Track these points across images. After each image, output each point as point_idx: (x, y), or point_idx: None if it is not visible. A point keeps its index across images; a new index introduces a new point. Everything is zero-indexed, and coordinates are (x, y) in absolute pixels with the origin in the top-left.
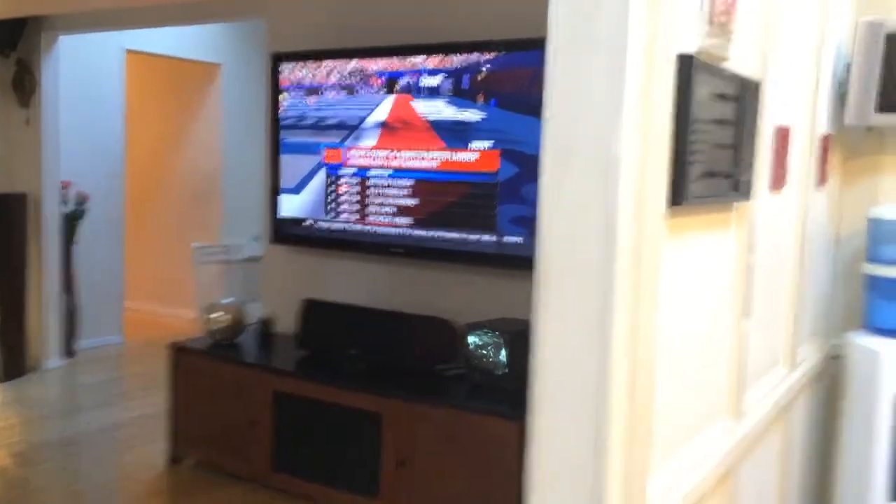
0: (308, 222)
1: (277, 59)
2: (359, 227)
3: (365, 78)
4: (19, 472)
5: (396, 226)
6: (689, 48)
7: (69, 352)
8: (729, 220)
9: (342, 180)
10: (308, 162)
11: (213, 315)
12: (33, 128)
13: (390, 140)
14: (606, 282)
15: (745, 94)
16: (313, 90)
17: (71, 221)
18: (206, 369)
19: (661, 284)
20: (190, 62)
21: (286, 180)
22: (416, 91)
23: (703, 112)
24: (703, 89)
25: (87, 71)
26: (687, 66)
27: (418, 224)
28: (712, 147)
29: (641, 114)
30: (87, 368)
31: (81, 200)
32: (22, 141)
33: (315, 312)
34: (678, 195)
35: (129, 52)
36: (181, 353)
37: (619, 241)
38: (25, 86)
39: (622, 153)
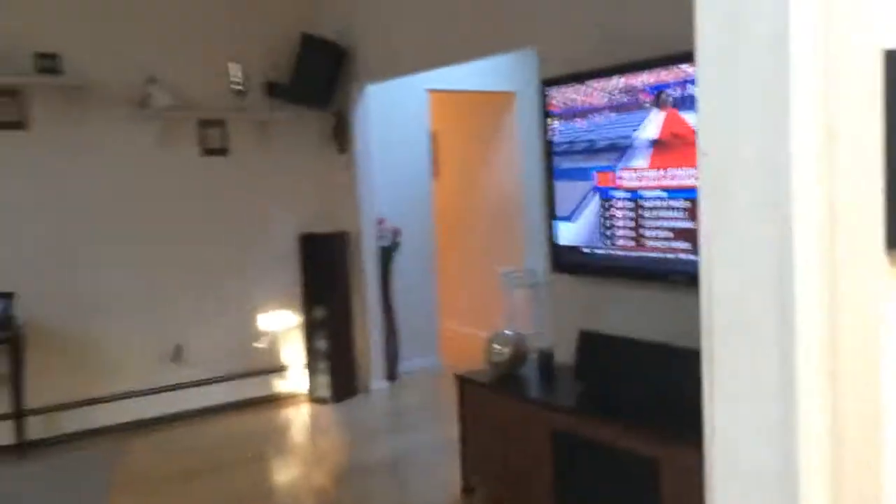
0: (585, 249)
1: (545, 84)
2: (635, 253)
3: (632, 94)
4: (333, 494)
5: (674, 251)
6: None
7: (392, 375)
8: None
9: (615, 204)
10: (581, 187)
11: (495, 347)
12: (351, 172)
13: (663, 158)
14: (786, 360)
15: None
16: (581, 113)
17: (387, 254)
18: (489, 402)
19: (880, 363)
20: (486, 93)
21: (562, 207)
22: (686, 102)
23: None
24: None
25: (394, 114)
26: None
27: (698, 248)
28: None
29: (824, 134)
30: (407, 391)
31: (396, 235)
32: (342, 184)
33: (592, 345)
34: None
35: (431, 91)
36: (466, 385)
37: (798, 305)
38: (342, 135)
39: (793, 187)
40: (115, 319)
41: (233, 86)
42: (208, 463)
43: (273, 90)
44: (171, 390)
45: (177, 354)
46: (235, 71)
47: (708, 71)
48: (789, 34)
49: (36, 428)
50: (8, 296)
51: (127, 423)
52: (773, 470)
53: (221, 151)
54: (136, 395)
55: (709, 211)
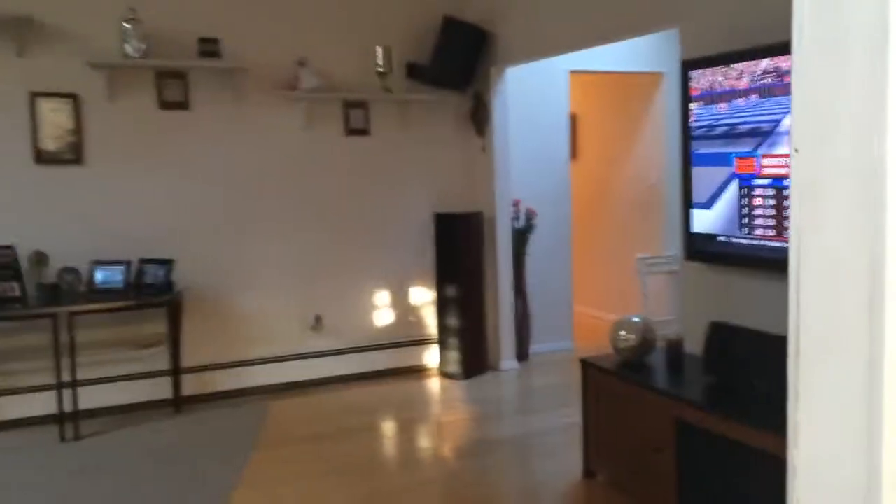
0: (721, 237)
1: (686, 66)
2: (775, 243)
3: (779, 77)
4: (455, 465)
5: None
6: None
7: (522, 355)
8: None
9: (756, 192)
10: (719, 174)
11: (621, 333)
12: (487, 154)
13: None
14: (875, 364)
15: None
16: (723, 96)
17: (521, 235)
18: (613, 388)
19: None
20: (631, 74)
21: (698, 194)
22: None
23: None
24: None
25: (533, 96)
26: None
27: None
28: None
29: None
30: (536, 372)
31: (530, 216)
32: (479, 166)
33: (722, 337)
34: None
35: (572, 72)
36: (590, 370)
37: (889, 308)
38: (480, 117)
39: (888, 191)
40: (263, 288)
41: (376, 68)
42: (341, 427)
43: (413, 72)
44: (310, 357)
45: (317, 324)
46: (379, 53)
47: (802, 63)
48: (889, 24)
49: (190, 385)
50: (168, 262)
51: (270, 385)
52: (856, 474)
53: (364, 131)
54: (280, 361)
55: (799, 208)
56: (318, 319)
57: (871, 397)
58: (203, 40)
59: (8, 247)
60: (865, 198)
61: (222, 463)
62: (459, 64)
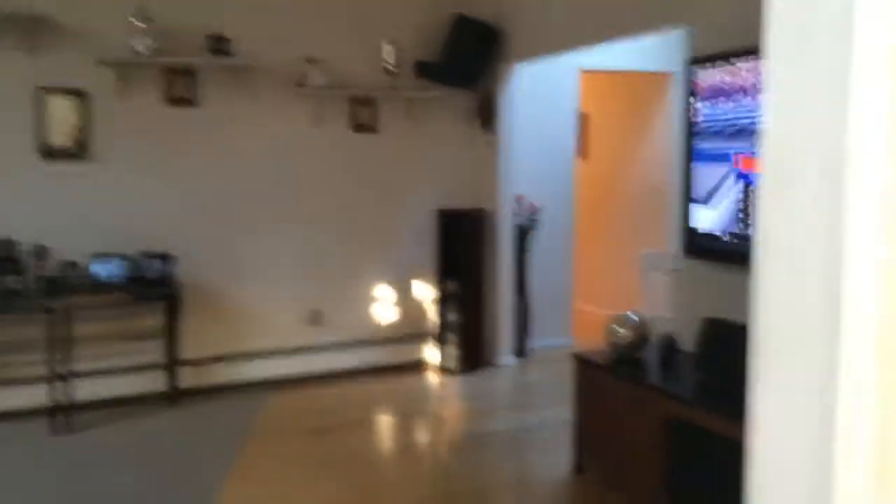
0: (719, 234)
1: (691, 63)
2: None
3: None
4: (448, 459)
5: None
6: None
7: (520, 351)
8: None
9: (754, 189)
10: (719, 171)
11: (616, 329)
12: (492, 149)
13: None
14: (831, 358)
15: None
16: (725, 93)
17: (524, 232)
18: (606, 383)
19: None
20: (641, 73)
21: (698, 190)
22: None
23: None
24: None
25: (542, 94)
26: None
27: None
28: None
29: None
30: (534, 368)
31: (533, 212)
32: (483, 161)
33: (715, 333)
34: None
35: (583, 71)
36: (583, 365)
37: (845, 298)
38: (487, 112)
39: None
40: (263, 283)
41: (384, 65)
42: (336, 421)
43: (422, 70)
44: (308, 352)
45: (315, 318)
46: (388, 51)
47: (776, 60)
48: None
49: (188, 378)
50: (166, 257)
51: (267, 380)
52: (809, 462)
53: (371, 128)
54: (277, 355)
55: (765, 204)
56: (316, 314)
57: (827, 387)
58: (212, 37)
59: (7, 240)
60: (825, 197)
61: (214, 455)
62: (469, 61)
